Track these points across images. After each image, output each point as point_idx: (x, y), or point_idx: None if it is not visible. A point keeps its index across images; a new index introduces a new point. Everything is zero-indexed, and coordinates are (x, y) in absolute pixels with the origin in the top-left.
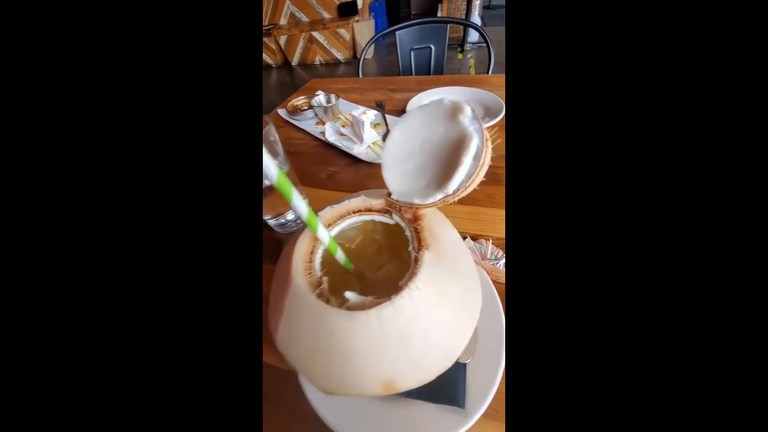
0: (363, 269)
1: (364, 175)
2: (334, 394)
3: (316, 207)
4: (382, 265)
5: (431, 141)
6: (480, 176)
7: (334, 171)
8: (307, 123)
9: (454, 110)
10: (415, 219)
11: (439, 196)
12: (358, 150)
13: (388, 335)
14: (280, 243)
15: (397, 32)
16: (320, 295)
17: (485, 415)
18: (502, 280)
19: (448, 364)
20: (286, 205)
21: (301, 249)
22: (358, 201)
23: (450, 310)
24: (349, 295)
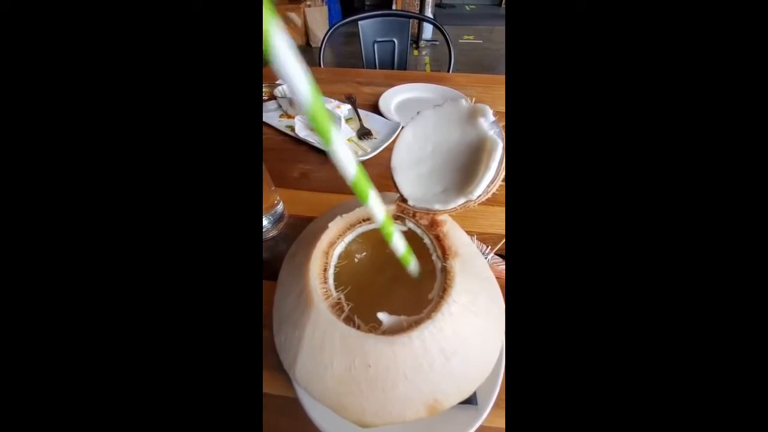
0: (370, 281)
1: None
2: (373, 426)
3: (293, 209)
4: (390, 275)
5: (446, 144)
6: (499, 180)
7: (307, 169)
8: (270, 115)
9: (473, 113)
10: (433, 225)
11: (461, 201)
12: None
13: (431, 355)
14: None
15: (359, 23)
16: (347, 320)
17: (495, 406)
18: (496, 274)
19: (486, 373)
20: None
21: (315, 269)
22: None
23: (483, 318)
24: (383, 316)
